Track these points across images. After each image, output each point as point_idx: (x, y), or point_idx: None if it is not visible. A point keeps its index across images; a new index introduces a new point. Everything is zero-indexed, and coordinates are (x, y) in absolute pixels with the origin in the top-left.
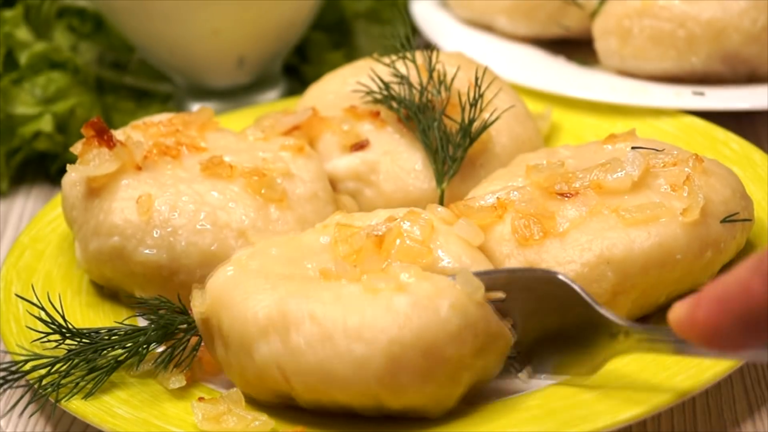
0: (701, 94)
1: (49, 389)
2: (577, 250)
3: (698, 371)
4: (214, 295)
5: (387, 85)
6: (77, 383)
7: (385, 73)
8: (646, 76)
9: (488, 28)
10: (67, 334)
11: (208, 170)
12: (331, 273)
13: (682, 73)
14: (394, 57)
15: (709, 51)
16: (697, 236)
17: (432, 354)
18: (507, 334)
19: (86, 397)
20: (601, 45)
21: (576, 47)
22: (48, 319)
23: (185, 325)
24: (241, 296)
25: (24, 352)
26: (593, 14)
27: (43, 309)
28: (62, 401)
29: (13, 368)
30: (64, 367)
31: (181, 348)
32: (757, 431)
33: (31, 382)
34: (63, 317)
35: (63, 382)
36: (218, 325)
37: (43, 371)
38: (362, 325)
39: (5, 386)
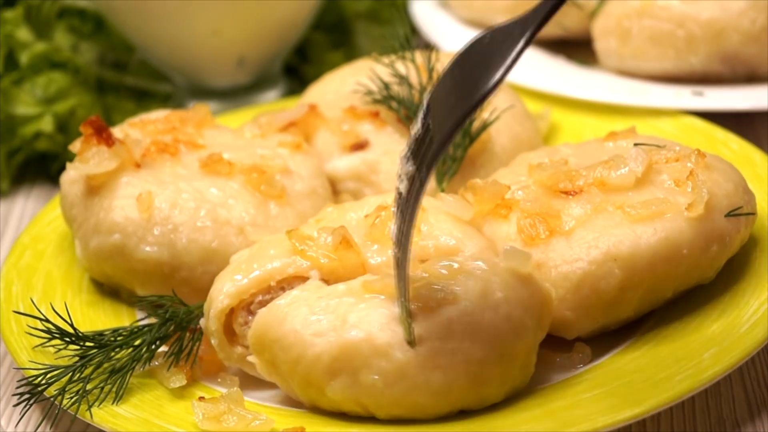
0: (700, 94)
1: (75, 398)
2: (584, 247)
3: (698, 371)
4: (260, 326)
5: (387, 85)
6: (102, 388)
7: (385, 73)
8: (646, 76)
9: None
10: (72, 339)
11: (208, 167)
12: (374, 286)
13: (682, 73)
14: (393, 57)
15: (708, 51)
16: (703, 231)
17: (506, 357)
18: (550, 293)
19: (115, 402)
20: (600, 45)
21: (575, 47)
22: (52, 327)
23: (189, 318)
24: (291, 332)
25: (33, 365)
26: (593, 14)
27: (46, 320)
28: (91, 408)
29: (35, 382)
30: (84, 374)
31: (187, 343)
32: None
33: (54, 394)
34: (71, 324)
35: (87, 388)
36: (272, 360)
37: (63, 380)
38: (432, 351)
39: (32, 401)
